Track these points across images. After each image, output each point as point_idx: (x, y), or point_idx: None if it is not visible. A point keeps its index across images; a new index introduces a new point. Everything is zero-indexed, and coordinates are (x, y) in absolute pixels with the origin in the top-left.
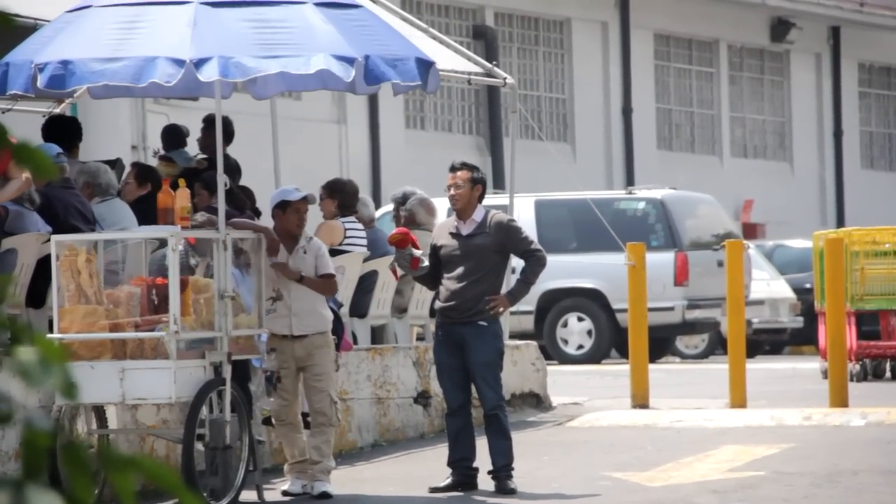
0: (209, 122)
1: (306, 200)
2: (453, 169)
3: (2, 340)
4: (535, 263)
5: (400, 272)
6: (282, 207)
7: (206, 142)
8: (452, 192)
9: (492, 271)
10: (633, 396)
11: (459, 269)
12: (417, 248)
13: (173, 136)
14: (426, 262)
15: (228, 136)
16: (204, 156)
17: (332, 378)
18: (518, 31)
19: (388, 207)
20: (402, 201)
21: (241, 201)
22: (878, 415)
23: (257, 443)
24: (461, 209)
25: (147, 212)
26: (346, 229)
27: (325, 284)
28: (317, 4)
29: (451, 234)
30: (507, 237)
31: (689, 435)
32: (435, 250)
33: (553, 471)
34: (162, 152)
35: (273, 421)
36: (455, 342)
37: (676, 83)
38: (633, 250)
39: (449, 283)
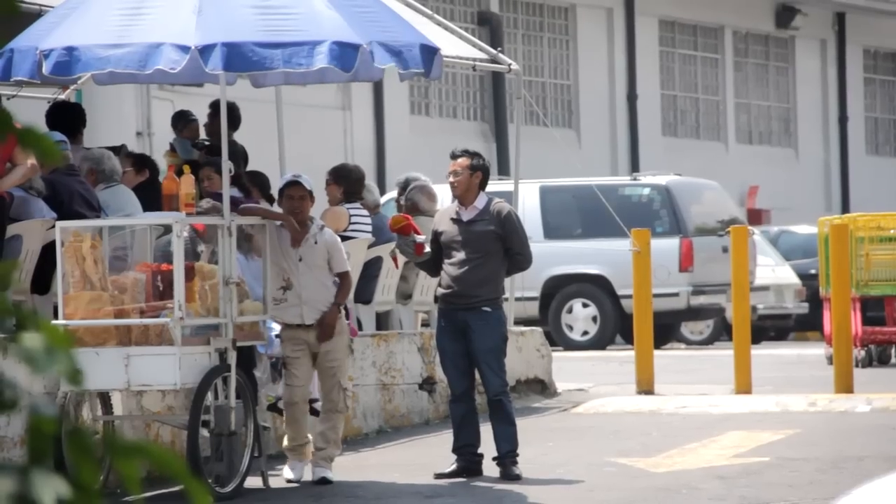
0: (216, 107)
1: (297, 185)
2: (454, 156)
3: (7, 327)
4: (516, 266)
5: (401, 259)
6: (280, 197)
7: (213, 128)
8: (452, 178)
9: (492, 257)
10: (638, 382)
11: (460, 255)
12: (419, 233)
13: (183, 121)
14: (429, 248)
15: (235, 121)
16: (208, 142)
17: (344, 364)
18: (523, 18)
19: (393, 193)
20: (405, 187)
21: (248, 188)
22: (884, 401)
23: (262, 429)
24: (461, 196)
25: (146, 199)
26: (351, 215)
27: (346, 287)
28: None
29: (451, 220)
30: (505, 228)
31: (694, 421)
32: (436, 236)
33: (558, 457)
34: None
35: (280, 407)
36: (458, 328)
37: (681, 69)
38: (637, 236)
39: (450, 269)
